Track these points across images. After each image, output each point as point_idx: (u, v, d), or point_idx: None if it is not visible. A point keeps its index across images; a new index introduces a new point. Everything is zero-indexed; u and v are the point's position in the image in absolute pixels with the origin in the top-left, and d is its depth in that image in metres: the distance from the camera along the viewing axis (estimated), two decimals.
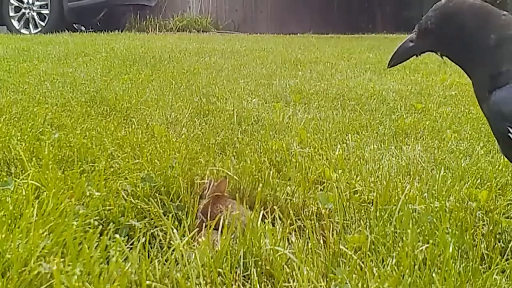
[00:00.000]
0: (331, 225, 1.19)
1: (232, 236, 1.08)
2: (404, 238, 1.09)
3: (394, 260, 1.01)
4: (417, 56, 1.13)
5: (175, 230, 1.07)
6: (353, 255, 1.02)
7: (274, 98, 2.79)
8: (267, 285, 0.95)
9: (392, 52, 1.13)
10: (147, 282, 0.89)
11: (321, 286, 0.92)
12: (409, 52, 1.12)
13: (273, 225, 1.18)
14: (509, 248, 1.08)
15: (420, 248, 1.05)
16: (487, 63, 1.01)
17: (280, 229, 1.14)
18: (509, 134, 0.95)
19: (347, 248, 1.05)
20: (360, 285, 0.92)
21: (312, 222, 1.19)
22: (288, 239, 1.11)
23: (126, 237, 1.12)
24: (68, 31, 7.07)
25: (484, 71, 1.02)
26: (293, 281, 0.94)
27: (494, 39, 1.01)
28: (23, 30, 7.28)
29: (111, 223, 1.14)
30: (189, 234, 1.11)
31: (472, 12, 1.04)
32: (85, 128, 1.91)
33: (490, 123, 1.03)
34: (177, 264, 0.96)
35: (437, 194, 1.38)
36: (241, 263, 0.99)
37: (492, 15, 1.04)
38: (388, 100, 2.81)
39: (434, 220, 1.19)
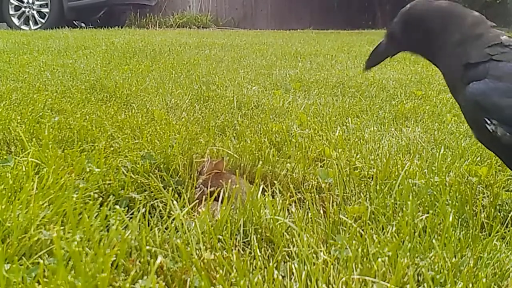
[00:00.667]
0: (331, 197, 1.19)
1: (232, 207, 1.08)
2: (404, 209, 1.09)
3: (394, 228, 1.01)
4: (390, 57, 1.21)
5: (175, 202, 1.07)
6: (353, 224, 1.02)
7: (274, 86, 2.79)
8: (267, 250, 0.95)
9: (368, 56, 1.21)
10: (147, 247, 0.89)
11: (321, 251, 0.92)
12: (383, 55, 1.20)
13: (273, 197, 1.18)
14: (509, 217, 1.08)
15: (420, 218, 1.05)
16: (456, 56, 1.06)
17: (280, 201, 1.13)
18: (486, 125, 1.00)
19: (347, 218, 1.05)
20: (360, 250, 0.92)
21: (312, 194, 1.19)
22: (288, 210, 1.11)
23: (126, 208, 1.12)
24: (68, 27, 7.08)
25: (455, 63, 1.07)
26: (293, 246, 0.93)
27: (458, 38, 1.07)
28: (23, 27, 7.29)
29: (111, 196, 1.14)
30: (189, 205, 1.11)
31: (435, 15, 1.11)
32: (85, 112, 1.91)
33: (465, 112, 1.08)
34: (177, 231, 0.96)
35: (437, 170, 1.38)
36: (241, 231, 0.99)
37: (456, 15, 1.10)
38: (388, 87, 2.80)
39: (434, 193, 1.19)
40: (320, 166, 1.43)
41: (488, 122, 1.00)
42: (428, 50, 1.13)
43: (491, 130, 1.00)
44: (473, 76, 1.03)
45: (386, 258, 0.88)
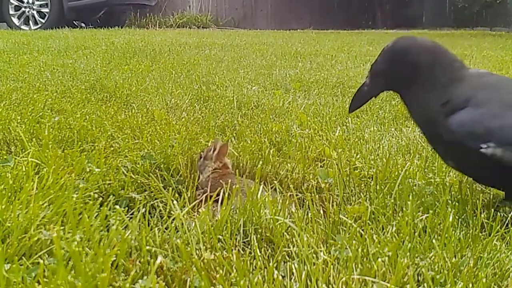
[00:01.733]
0: (331, 197, 1.19)
1: (233, 207, 1.08)
2: (404, 209, 1.09)
3: (394, 228, 1.01)
4: (374, 97, 1.20)
5: (175, 202, 1.07)
6: (353, 224, 1.02)
7: (274, 86, 2.79)
8: (267, 250, 0.95)
9: (352, 98, 1.22)
10: (147, 247, 0.89)
11: (321, 251, 0.92)
12: (367, 95, 1.19)
13: (273, 197, 1.18)
14: (509, 217, 1.08)
15: (420, 218, 1.05)
16: (438, 95, 1.08)
17: (280, 201, 1.13)
18: (482, 150, 1.02)
19: (347, 218, 1.05)
20: (360, 250, 0.92)
21: (312, 194, 1.19)
22: (288, 210, 1.11)
23: (126, 208, 1.12)
24: (68, 27, 7.08)
25: (435, 101, 1.08)
26: (293, 246, 0.93)
27: (444, 79, 1.09)
28: (23, 27, 7.29)
29: (111, 196, 1.14)
30: (189, 205, 1.11)
31: (422, 51, 1.12)
32: (85, 112, 1.91)
33: (448, 143, 1.08)
34: (177, 231, 0.96)
35: (437, 170, 1.38)
36: (241, 231, 0.99)
37: (443, 57, 1.12)
38: None
39: (435, 192, 1.19)
40: (320, 166, 1.43)
41: (485, 146, 1.02)
42: (407, 84, 1.12)
43: (489, 154, 1.01)
44: (453, 108, 1.05)
45: (386, 258, 0.88)
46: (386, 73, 1.15)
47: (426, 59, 1.11)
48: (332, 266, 0.87)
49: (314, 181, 1.30)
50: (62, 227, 0.96)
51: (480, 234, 1.02)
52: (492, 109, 1.04)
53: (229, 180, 1.26)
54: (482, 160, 1.03)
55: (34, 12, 7.36)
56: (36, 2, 7.36)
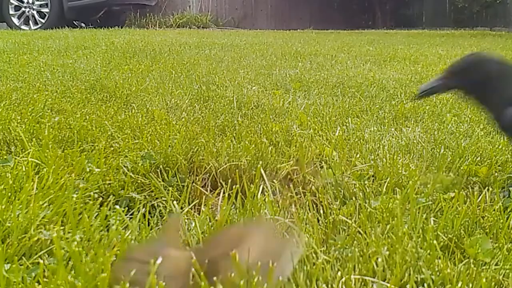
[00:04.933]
0: (331, 198, 1.19)
1: (232, 207, 1.08)
2: (406, 208, 1.09)
3: (394, 228, 1.01)
4: (442, 92, 1.38)
5: (174, 202, 1.07)
6: (353, 224, 1.02)
7: (274, 86, 2.79)
8: None
9: (424, 86, 1.31)
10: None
11: (321, 251, 0.92)
12: (439, 88, 1.31)
13: (273, 197, 1.18)
14: (509, 218, 1.08)
15: (421, 217, 1.05)
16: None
17: (280, 201, 1.14)
18: None
19: (346, 218, 1.05)
20: (359, 250, 0.92)
21: (312, 195, 1.19)
22: (287, 210, 1.11)
23: (126, 208, 1.12)
24: (68, 27, 7.08)
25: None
26: None
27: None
28: (23, 27, 7.30)
29: (111, 196, 1.14)
30: (189, 205, 1.11)
31: (492, 68, 1.25)
32: (85, 112, 1.91)
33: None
34: (180, 231, 0.96)
35: (437, 170, 1.38)
36: None
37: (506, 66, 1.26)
38: (388, 87, 2.80)
39: (435, 191, 1.19)
40: (320, 166, 1.43)
41: None
42: (481, 92, 1.26)
43: None
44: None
45: (386, 257, 0.88)
46: (466, 79, 1.26)
47: (497, 71, 1.24)
48: (332, 266, 0.87)
49: (314, 181, 1.30)
50: (62, 227, 0.96)
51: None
52: None
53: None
54: None
55: (34, 12, 7.37)
56: (36, 2, 7.36)
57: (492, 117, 1.28)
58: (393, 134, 1.81)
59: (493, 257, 0.94)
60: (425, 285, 0.84)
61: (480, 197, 1.16)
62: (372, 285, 0.83)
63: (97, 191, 1.17)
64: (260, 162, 1.37)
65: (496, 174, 1.40)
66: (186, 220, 1.03)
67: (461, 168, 1.43)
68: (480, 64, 1.27)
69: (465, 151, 1.56)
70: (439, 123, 1.99)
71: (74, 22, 8.28)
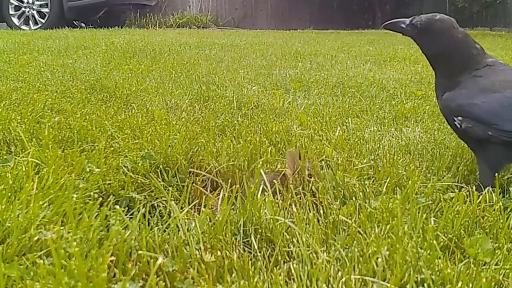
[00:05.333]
0: (331, 197, 1.19)
1: (233, 207, 1.08)
2: (406, 208, 1.09)
3: (394, 228, 1.01)
4: (401, 33, 1.43)
5: (173, 202, 1.07)
6: (353, 224, 1.02)
7: (274, 86, 2.79)
8: (267, 251, 0.95)
9: (392, 20, 1.44)
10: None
11: (321, 251, 0.92)
12: (400, 30, 1.42)
13: (274, 197, 1.18)
14: (509, 218, 1.08)
15: (421, 217, 1.05)
16: (455, 71, 1.33)
17: (280, 201, 1.14)
18: (455, 123, 1.30)
19: (347, 218, 1.05)
20: (359, 250, 0.92)
21: (313, 194, 1.19)
22: (288, 210, 1.11)
23: (126, 208, 1.12)
24: (68, 27, 7.09)
25: (445, 75, 1.35)
26: (293, 246, 0.93)
27: (475, 53, 1.34)
28: (23, 27, 7.30)
29: (111, 196, 1.14)
30: (189, 205, 1.11)
31: (452, 32, 1.34)
32: (85, 112, 1.91)
33: (444, 116, 1.37)
34: (179, 231, 0.96)
35: (437, 170, 1.38)
36: (241, 231, 0.99)
37: (466, 39, 1.36)
38: (388, 87, 2.80)
39: (435, 191, 1.19)
40: (321, 167, 1.43)
41: (455, 119, 1.30)
42: (438, 52, 1.35)
43: (458, 126, 1.30)
44: (450, 87, 1.33)
45: (386, 257, 0.88)
46: (420, 32, 1.36)
47: (454, 39, 1.33)
48: (332, 266, 0.87)
49: (315, 180, 1.30)
50: (62, 227, 0.96)
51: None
52: (470, 91, 1.29)
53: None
54: (457, 129, 1.32)
55: (34, 12, 7.37)
56: (36, 2, 7.36)
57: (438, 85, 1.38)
58: (393, 134, 1.81)
59: (493, 257, 0.94)
60: (425, 285, 0.84)
61: (480, 197, 1.16)
62: (372, 285, 0.83)
63: (97, 191, 1.17)
64: (260, 162, 1.37)
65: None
66: (186, 220, 1.03)
67: (461, 168, 1.43)
68: (441, 34, 1.34)
69: (465, 151, 1.56)
70: (439, 123, 1.99)
71: (74, 22, 8.28)
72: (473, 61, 1.33)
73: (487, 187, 1.23)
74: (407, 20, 1.40)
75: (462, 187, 1.32)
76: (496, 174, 1.23)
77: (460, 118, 1.28)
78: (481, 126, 1.25)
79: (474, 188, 1.26)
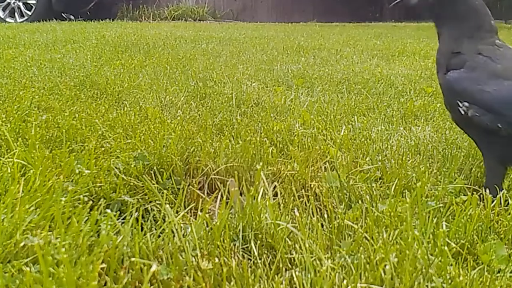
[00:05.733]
0: (335, 201, 1.19)
1: (231, 211, 1.08)
2: (415, 212, 1.09)
3: (403, 233, 1.01)
4: (415, 10, 1.43)
5: (168, 206, 1.07)
6: (359, 229, 1.02)
7: (276, 82, 2.79)
8: (268, 257, 0.95)
9: None
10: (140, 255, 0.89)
11: (325, 257, 0.92)
12: (411, 4, 1.39)
13: (274, 201, 1.18)
14: None
15: (431, 221, 1.05)
16: (464, 41, 1.30)
17: (282, 205, 1.14)
18: (458, 108, 1.26)
19: (352, 222, 1.05)
20: (366, 256, 0.92)
21: (316, 198, 1.19)
22: (290, 214, 1.11)
23: (118, 212, 1.12)
24: (56, 19, 7.09)
25: (451, 47, 1.31)
26: (295, 253, 0.93)
27: (478, 28, 1.32)
28: (8, 19, 7.30)
29: (102, 199, 1.14)
30: (185, 209, 1.11)
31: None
32: (74, 110, 1.91)
33: (444, 94, 1.34)
34: (174, 236, 0.96)
35: (448, 172, 1.39)
36: (240, 236, 0.99)
37: (485, 12, 1.36)
38: (397, 84, 2.81)
39: (446, 193, 1.19)
40: (324, 168, 1.43)
41: (460, 105, 1.25)
42: (449, 19, 1.33)
43: (462, 112, 1.25)
44: (454, 64, 1.28)
45: (394, 265, 0.88)
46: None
47: (480, 8, 1.35)
48: (337, 274, 0.87)
49: (318, 183, 1.30)
50: (49, 233, 0.96)
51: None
52: (480, 75, 1.25)
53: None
54: (460, 115, 1.27)
55: (20, 4, 7.36)
56: None
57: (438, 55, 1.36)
58: (401, 134, 1.81)
59: (508, 263, 0.95)
60: None
61: (495, 200, 1.16)
62: None
63: (87, 194, 1.17)
64: (261, 163, 1.38)
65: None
66: (181, 225, 1.03)
67: (474, 169, 1.43)
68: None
69: (479, 152, 1.56)
70: (451, 122, 1.99)
71: (62, 14, 8.27)
72: (483, 32, 1.31)
73: (493, 186, 1.22)
74: None
75: (475, 189, 1.32)
76: (505, 171, 1.22)
77: (466, 104, 1.24)
78: (490, 116, 1.22)
79: (487, 191, 1.25)
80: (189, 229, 0.99)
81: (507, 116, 1.21)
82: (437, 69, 1.38)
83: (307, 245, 0.94)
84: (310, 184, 1.32)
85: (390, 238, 0.99)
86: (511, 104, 1.22)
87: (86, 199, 1.12)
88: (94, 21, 7.05)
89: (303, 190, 1.29)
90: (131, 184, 1.24)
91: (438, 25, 1.37)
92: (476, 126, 1.24)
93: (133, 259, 0.88)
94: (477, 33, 1.31)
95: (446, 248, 0.92)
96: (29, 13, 7.31)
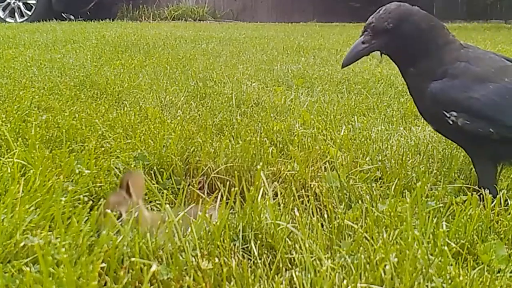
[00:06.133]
0: (335, 201, 1.19)
1: (231, 211, 1.08)
2: (415, 212, 1.09)
3: (403, 233, 1.01)
4: (366, 55, 1.34)
5: (168, 206, 1.07)
6: (359, 229, 1.02)
7: (275, 82, 2.79)
8: (268, 257, 0.95)
9: (348, 54, 1.33)
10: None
11: (325, 257, 0.92)
12: (363, 53, 1.32)
13: (275, 200, 1.18)
14: None
15: (431, 222, 1.05)
16: (435, 59, 1.26)
17: (282, 204, 1.14)
18: (445, 118, 1.22)
19: (352, 222, 1.05)
20: (366, 256, 0.92)
21: (316, 198, 1.19)
22: (290, 214, 1.11)
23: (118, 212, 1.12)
24: (56, 19, 7.09)
25: (430, 65, 1.26)
26: (295, 253, 0.93)
27: (442, 40, 1.27)
28: (8, 19, 7.30)
29: (102, 199, 1.13)
30: (185, 209, 1.11)
31: (423, 16, 1.30)
32: (74, 110, 1.91)
33: (426, 107, 1.29)
34: (174, 236, 0.96)
35: (448, 172, 1.39)
36: (240, 236, 0.99)
37: (436, 21, 1.30)
38: (397, 84, 2.81)
39: (446, 193, 1.19)
40: (324, 168, 1.43)
41: (447, 115, 1.22)
42: (407, 48, 1.28)
43: (451, 122, 1.21)
44: (437, 76, 1.24)
45: (394, 265, 0.88)
46: (392, 32, 1.27)
47: (427, 23, 1.28)
48: (337, 274, 0.87)
49: (318, 183, 1.30)
50: (49, 233, 0.96)
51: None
52: (463, 82, 1.22)
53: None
54: (448, 125, 1.23)
55: (20, 4, 7.36)
56: None
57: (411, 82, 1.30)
58: (401, 134, 1.81)
59: (508, 263, 0.95)
60: None
61: (494, 200, 1.16)
62: None
63: (87, 194, 1.17)
64: (261, 163, 1.38)
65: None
66: (182, 226, 1.03)
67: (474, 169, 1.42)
68: (410, 17, 1.28)
69: None
70: None
71: (62, 14, 8.27)
72: (448, 44, 1.27)
73: (491, 185, 1.21)
74: (361, 38, 1.33)
75: (475, 189, 1.32)
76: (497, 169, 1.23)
77: (454, 113, 1.21)
78: (481, 122, 1.19)
79: (486, 191, 1.24)
80: (189, 229, 0.99)
81: (499, 120, 1.19)
82: (415, 91, 1.32)
83: (307, 245, 0.94)
84: (310, 184, 1.32)
85: (390, 238, 0.99)
86: (501, 107, 1.20)
87: (86, 199, 1.12)
88: (94, 21, 7.05)
89: (303, 190, 1.29)
90: None
91: (396, 55, 1.31)
92: (466, 133, 1.21)
93: (133, 259, 0.88)
94: (444, 47, 1.27)
95: (446, 248, 0.92)
96: (29, 13, 7.31)
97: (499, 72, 1.23)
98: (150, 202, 1.17)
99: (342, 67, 1.35)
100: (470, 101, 1.20)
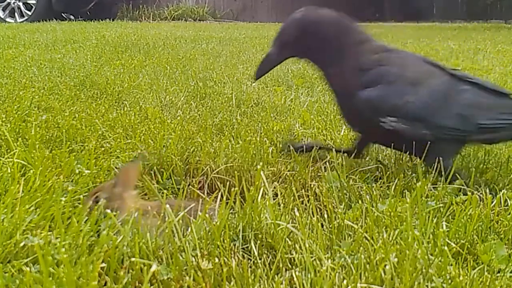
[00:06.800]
0: (336, 201, 1.19)
1: (231, 211, 1.08)
2: (415, 212, 1.09)
3: (403, 233, 1.01)
4: (279, 63, 1.35)
5: (167, 206, 1.07)
6: (359, 229, 1.02)
7: (275, 82, 2.79)
8: (268, 257, 0.95)
9: (259, 66, 1.34)
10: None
11: (325, 258, 0.92)
12: (273, 63, 1.34)
13: (275, 200, 1.18)
14: None
15: (431, 221, 1.05)
16: (352, 59, 1.27)
17: (282, 204, 1.14)
18: (382, 124, 1.23)
19: (352, 222, 1.05)
20: (366, 256, 0.92)
21: (316, 198, 1.19)
22: (290, 214, 1.11)
23: (118, 212, 1.12)
24: (56, 19, 7.09)
25: (350, 68, 1.27)
26: (295, 253, 0.93)
27: (356, 39, 1.29)
28: (8, 19, 7.30)
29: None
30: (185, 209, 1.11)
31: (331, 22, 1.31)
32: (74, 110, 1.91)
33: (355, 114, 1.29)
34: (174, 236, 0.96)
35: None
36: (240, 236, 0.99)
37: (347, 24, 1.31)
38: None
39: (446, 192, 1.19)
40: (324, 168, 1.43)
41: (385, 121, 1.23)
42: (319, 55, 1.30)
43: (390, 127, 1.23)
44: (367, 82, 1.25)
45: (394, 265, 0.88)
46: (296, 44, 1.29)
47: (335, 30, 1.29)
48: (337, 274, 0.87)
49: (318, 183, 1.30)
50: (49, 233, 0.96)
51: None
52: (399, 87, 1.25)
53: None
54: (386, 131, 1.24)
55: (20, 4, 7.37)
56: None
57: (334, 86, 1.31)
58: None
59: (508, 263, 0.95)
60: None
61: (495, 200, 1.16)
62: None
63: (87, 194, 1.17)
64: (261, 163, 1.38)
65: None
66: (182, 225, 1.03)
67: (473, 169, 1.42)
68: (315, 24, 1.28)
69: (478, 152, 1.56)
70: None
71: (62, 14, 8.28)
72: (365, 44, 1.29)
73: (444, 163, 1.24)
74: (271, 49, 1.32)
75: (475, 189, 1.32)
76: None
77: (392, 118, 1.23)
78: (417, 125, 1.23)
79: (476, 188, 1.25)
80: (189, 229, 0.99)
81: (431, 122, 1.23)
82: (340, 96, 1.33)
83: (307, 245, 0.94)
84: (310, 184, 1.32)
85: (390, 238, 0.99)
86: (432, 109, 1.24)
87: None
88: (94, 21, 7.06)
89: (303, 190, 1.29)
90: None
91: (315, 57, 1.32)
92: (403, 136, 1.24)
93: (133, 259, 0.88)
94: (362, 46, 1.29)
95: (446, 248, 0.92)
96: (29, 13, 7.31)
97: (427, 75, 1.28)
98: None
99: (256, 79, 1.36)
100: (407, 105, 1.23)
